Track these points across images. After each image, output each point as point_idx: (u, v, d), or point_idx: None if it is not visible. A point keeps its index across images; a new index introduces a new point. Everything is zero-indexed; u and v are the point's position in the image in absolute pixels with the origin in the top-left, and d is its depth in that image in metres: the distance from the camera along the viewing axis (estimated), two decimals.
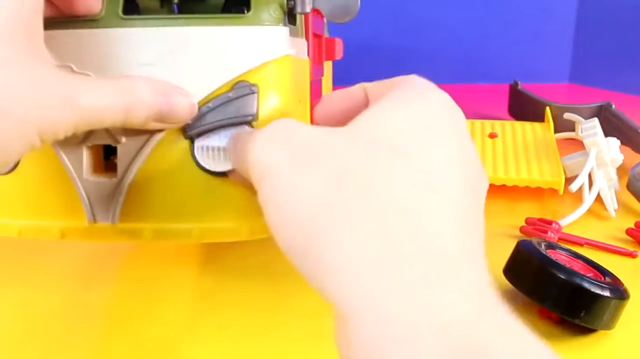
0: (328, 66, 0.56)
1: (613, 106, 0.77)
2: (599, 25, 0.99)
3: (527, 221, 0.60)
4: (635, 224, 0.58)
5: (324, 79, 0.53)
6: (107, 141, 0.36)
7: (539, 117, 0.79)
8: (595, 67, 1.00)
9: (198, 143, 0.36)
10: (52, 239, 0.38)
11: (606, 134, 0.73)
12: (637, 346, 0.44)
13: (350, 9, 0.38)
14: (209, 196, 0.37)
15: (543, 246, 0.46)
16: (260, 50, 0.38)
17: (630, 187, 0.63)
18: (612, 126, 0.76)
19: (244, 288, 0.47)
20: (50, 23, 0.35)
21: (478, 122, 0.78)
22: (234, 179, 0.36)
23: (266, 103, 0.37)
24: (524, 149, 0.70)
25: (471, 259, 0.24)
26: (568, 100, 0.85)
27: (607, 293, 0.42)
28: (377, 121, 0.27)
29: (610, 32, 0.98)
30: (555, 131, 0.76)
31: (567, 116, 0.72)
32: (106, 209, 0.37)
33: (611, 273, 0.46)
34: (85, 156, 0.37)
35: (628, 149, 0.73)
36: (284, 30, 0.39)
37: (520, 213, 0.61)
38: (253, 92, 0.37)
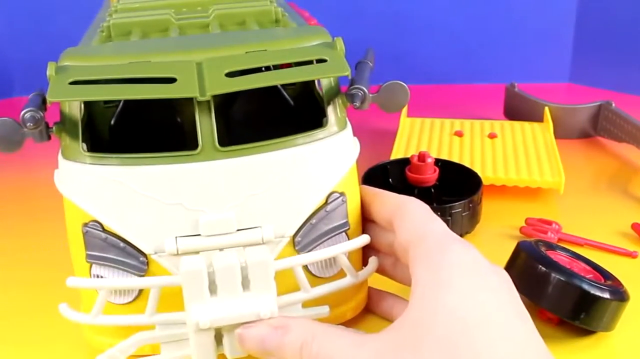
0: None
1: (613, 104, 0.77)
2: (599, 25, 0.98)
3: (527, 221, 0.59)
4: None
5: None
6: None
7: (536, 119, 0.79)
8: (595, 67, 1.00)
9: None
10: None
11: (607, 134, 0.73)
12: (637, 347, 0.44)
13: (402, 104, 0.42)
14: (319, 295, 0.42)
15: (543, 247, 0.46)
16: (342, 158, 0.41)
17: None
18: (614, 124, 0.75)
19: None
20: (149, 158, 0.37)
21: (477, 123, 0.77)
22: None
23: (351, 208, 0.42)
24: (524, 149, 0.70)
25: None
26: (568, 100, 0.85)
27: (607, 295, 0.42)
28: (443, 318, 0.31)
29: (610, 32, 0.97)
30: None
31: None
32: None
33: (611, 274, 0.46)
34: None
35: (631, 147, 0.72)
36: (350, 131, 0.43)
37: (520, 213, 0.61)
38: (343, 202, 0.41)
